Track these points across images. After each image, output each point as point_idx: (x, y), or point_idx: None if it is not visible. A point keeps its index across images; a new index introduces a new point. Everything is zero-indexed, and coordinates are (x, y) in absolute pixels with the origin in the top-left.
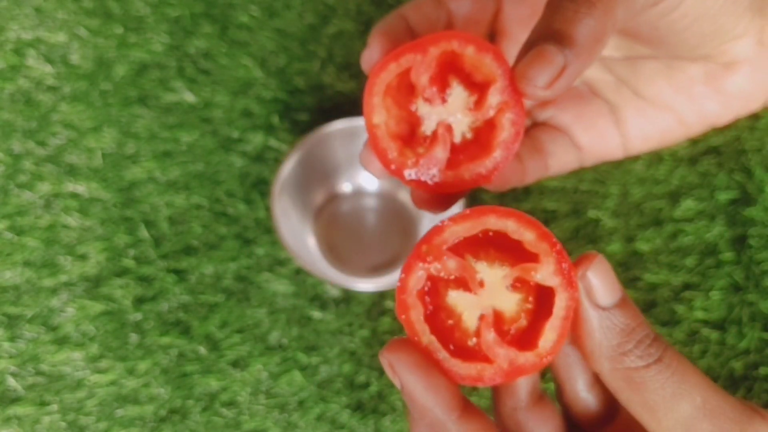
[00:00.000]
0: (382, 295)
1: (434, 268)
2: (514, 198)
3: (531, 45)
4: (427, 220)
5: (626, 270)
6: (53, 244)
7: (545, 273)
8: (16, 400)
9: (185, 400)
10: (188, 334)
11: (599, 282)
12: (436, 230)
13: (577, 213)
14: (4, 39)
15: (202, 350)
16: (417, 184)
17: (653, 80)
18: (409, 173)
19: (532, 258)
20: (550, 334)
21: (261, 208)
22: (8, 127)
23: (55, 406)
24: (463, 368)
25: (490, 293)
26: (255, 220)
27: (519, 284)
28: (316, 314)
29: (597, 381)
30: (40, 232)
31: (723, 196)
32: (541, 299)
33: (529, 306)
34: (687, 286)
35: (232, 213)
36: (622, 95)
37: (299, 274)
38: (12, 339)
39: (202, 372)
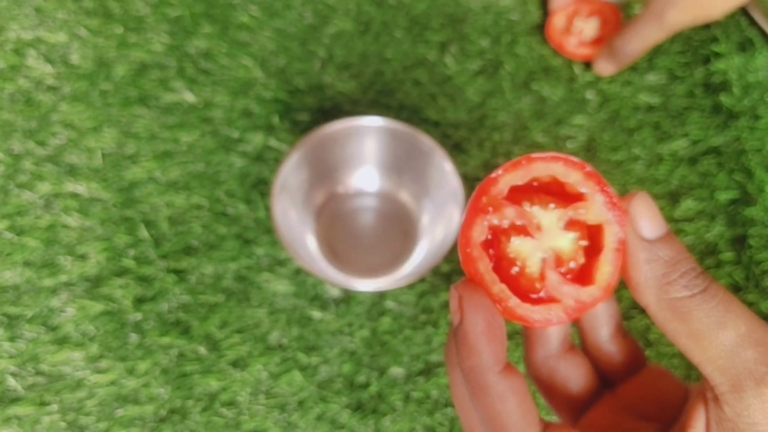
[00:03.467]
0: (381, 296)
1: (495, 218)
2: None
3: None
4: (427, 220)
5: None
6: (53, 244)
7: (596, 210)
8: (16, 400)
9: (185, 400)
10: (188, 334)
11: (644, 216)
12: (491, 181)
13: None
14: (4, 39)
15: (202, 350)
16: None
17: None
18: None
19: (580, 198)
20: (605, 267)
21: (261, 208)
22: (8, 127)
23: (55, 406)
24: (535, 312)
25: (548, 235)
26: (255, 220)
27: (573, 225)
28: (316, 314)
29: (619, 332)
30: (40, 232)
31: (723, 196)
32: (593, 236)
33: (584, 244)
34: None
35: (232, 213)
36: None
37: (299, 274)
38: (12, 339)
39: (202, 372)
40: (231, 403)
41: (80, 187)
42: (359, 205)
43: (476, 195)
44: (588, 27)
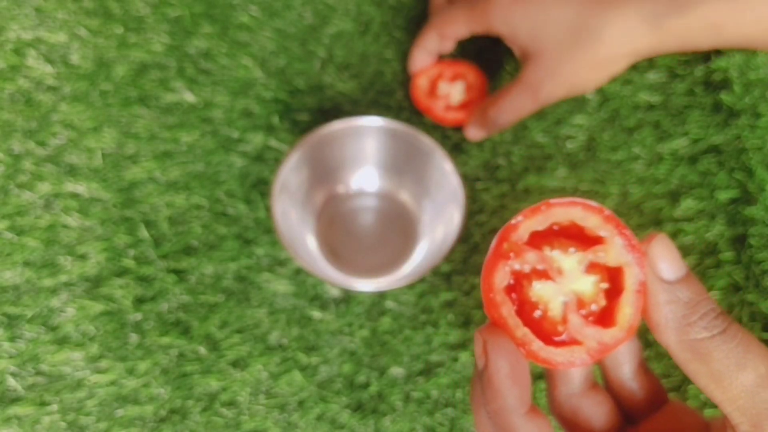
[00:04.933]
0: (381, 296)
1: (517, 263)
2: (515, 198)
3: None
4: (427, 220)
5: None
6: (53, 244)
7: (616, 252)
8: (16, 400)
9: (185, 400)
10: (188, 335)
11: (663, 258)
12: (511, 228)
13: None
14: (4, 39)
15: (202, 350)
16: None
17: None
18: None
19: (599, 241)
20: (627, 308)
21: (261, 208)
22: (8, 127)
23: (55, 406)
24: (558, 354)
25: (570, 279)
26: (255, 221)
27: (593, 268)
28: (316, 314)
29: (641, 369)
30: (40, 232)
31: (723, 196)
32: (613, 279)
33: (605, 287)
34: None
35: (232, 213)
36: None
37: (299, 274)
38: (12, 339)
39: (202, 372)
40: (231, 403)
41: (80, 187)
42: (359, 205)
43: (498, 241)
44: (454, 91)
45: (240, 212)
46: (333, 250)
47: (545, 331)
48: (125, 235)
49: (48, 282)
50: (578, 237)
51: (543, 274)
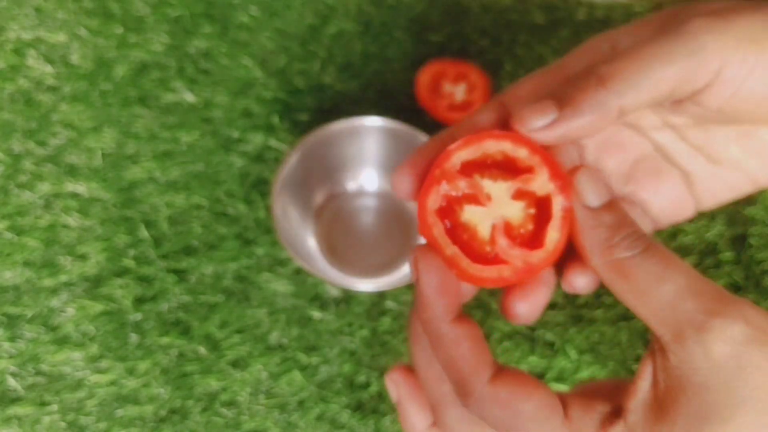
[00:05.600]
0: (381, 295)
1: (448, 188)
2: None
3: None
4: None
5: None
6: (53, 244)
7: (541, 181)
8: (16, 400)
9: (185, 400)
10: (188, 334)
11: (587, 186)
12: (445, 156)
13: None
14: (4, 39)
15: (202, 350)
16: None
17: (726, 146)
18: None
19: (529, 171)
20: (553, 233)
21: (261, 208)
22: (8, 127)
23: (55, 406)
24: (485, 271)
25: (498, 204)
26: (255, 220)
27: (521, 195)
28: (316, 314)
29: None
30: (40, 232)
31: None
32: (542, 208)
33: (532, 212)
34: None
35: (232, 213)
36: (696, 162)
37: (299, 274)
38: (12, 339)
39: (202, 372)
40: (231, 403)
41: (80, 187)
42: (359, 205)
43: (432, 167)
44: (458, 91)
45: (240, 212)
46: (333, 250)
47: (475, 252)
48: (125, 235)
49: (48, 282)
50: (512, 169)
51: (473, 200)
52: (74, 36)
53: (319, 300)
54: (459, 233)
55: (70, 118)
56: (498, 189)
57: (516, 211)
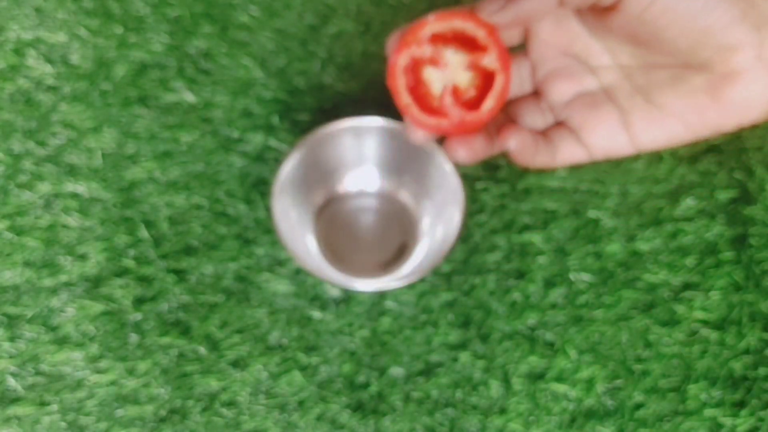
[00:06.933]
0: (381, 296)
1: (416, 50)
2: (515, 198)
3: None
4: (427, 220)
5: (626, 270)
6: (53, 244)
7: (490, 59)
8: (15, 400)
9: (185, 400)
10: (188, 335)
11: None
12: (420, 26)
13: (577, 213)
14: (4, 39)
15: (202, 350)
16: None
17: (662, 89)
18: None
19: (483, 50)
20: (490, 101)
21: (261, 208)
22: (8, 127)
23: (55, 406)
24: (429, 120)
25: (452, 71)
26: (255, 220)
27: (472, 67)
28: (316, 314)
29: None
30: (40, 232)
31: (723, 195)
32: (487, 80)
33: (478, 83)
34: (687, 286)
35: (232, 213)
36: (634, 102)
37: (299, 274)
38: (12, 339)
39: (202, 372)
40: (231, 403)
41: (80, 187)
42: (359, 205)
43: (407, 32)
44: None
45: (240, 212)
46: (333, 250)
47: (427, 105)
48: (125, 235)
49: (48, 282)
50: (470, 45)
51: (434, 63)
52: (74, 36)
53: (319, 300)
54: (418, 88)
55: (70, 118)
56: (455, 58)
57: (465, 79)
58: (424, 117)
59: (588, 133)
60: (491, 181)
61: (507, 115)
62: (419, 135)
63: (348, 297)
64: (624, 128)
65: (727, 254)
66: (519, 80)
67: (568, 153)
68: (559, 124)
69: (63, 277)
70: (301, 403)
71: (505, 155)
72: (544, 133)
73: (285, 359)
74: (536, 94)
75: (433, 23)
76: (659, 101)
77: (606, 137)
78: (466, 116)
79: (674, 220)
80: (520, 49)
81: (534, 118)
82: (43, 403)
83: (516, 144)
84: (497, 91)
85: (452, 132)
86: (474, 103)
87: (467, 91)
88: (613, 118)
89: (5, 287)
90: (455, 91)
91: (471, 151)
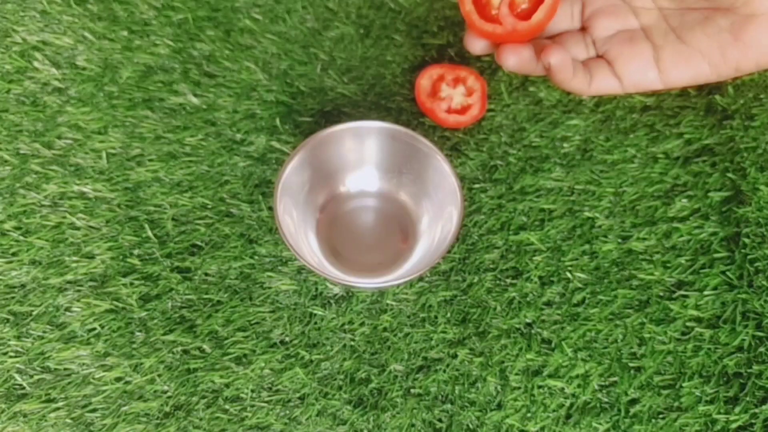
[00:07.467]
0: (382, 294)
1: None
2: (512, 198)
3: None
4: (426, 220)
5: (621, 269)
6: (59, 244)
7: None
8: (22, 396)
9: (190, 397)
10: (192, 332)
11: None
12: None
13: (572, 213)
14: (10, 42)
15: (206, 347)
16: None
17: (693, 29)
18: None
19: None
20: (539, 14)
21: (264, 208)
22: (15, 129)
23: (61, 403)
24: (486, 26)
25: None
26: (258, 220)
27: None
28: (318, 312)
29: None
30: (46, 232)
31: (717, 196)
32: None
33: None
34: (681, 285)
35: (236, 213)
36: (667, 39)
37: (301, 272)
38: (19, 337)
39: (206, 369)
40: (234, 399)
41: (86, 188)
42: (360, 205)
43: None
44: (456, 94)
45: (243, 212)
46: (334, 249)
47: (486, 14)
48: (131, 234)
49: (54, 281)
50: None
51: None
52: (80, 39)
53: (321, 298)
54: (482, 2)
55: (76, 120)
56: None
57: None
58: (482, 23)
59: (622, 66)
60: (489, 182)
61: (555, 43)
62: (477, 45)
63: (349, 295)
64: (655, 63)
65: (721, 254)
66: (570, 16)
67: (602, 82)
68: (599, 57)
69: (69, 276)
70: (302, 398)
71: (544, 82)
72: (585, 63)
73: (287, 356)
74: (583, 29)
75: None
76: (688, 39)
77: (638, 70)
78: (517, 24)
79: (669, 220)
80: None
81: (578, 49)
82: (49, 400)
83: (556, 61)
84: (547, 5)
85: (505, 39)
86: (527, 15)
87: (522, 4)
88: (647, 54)
89: (12, 286)
90: (511, 3)
91: (519, 58)
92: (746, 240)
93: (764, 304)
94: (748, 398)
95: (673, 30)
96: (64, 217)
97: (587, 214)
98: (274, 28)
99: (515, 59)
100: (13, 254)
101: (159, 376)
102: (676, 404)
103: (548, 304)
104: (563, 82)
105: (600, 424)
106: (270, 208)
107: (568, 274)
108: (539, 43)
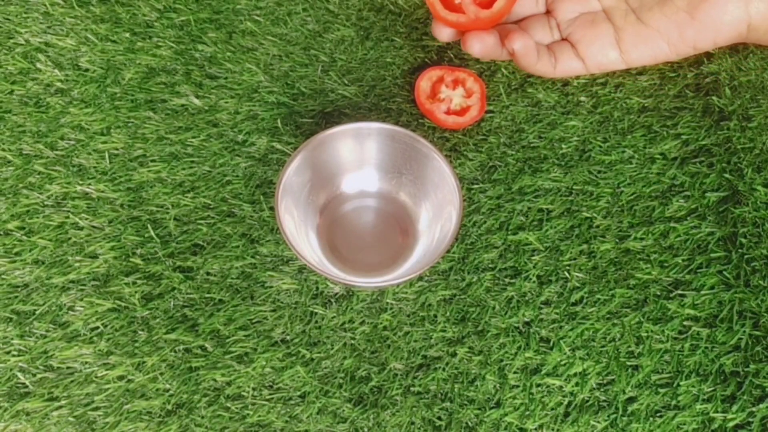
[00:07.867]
0: (382, 293)
1: None
2: (510, 199)
3: None
4: (426, 220)
5: (618, 268)
6: (63, 244)
7: None
8: (25, 395)
9: (192, 395)
10: (195, 331)
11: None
12: None
13: (570, 213)
14: (14, 43)
15: (208, 346)
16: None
17: (651, 8)
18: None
19: None
20: (501, 1)
21: (265, 208)
22: (18, 130)
23: (63, 401)
24: (449, 15)
25: None
26: (259, 220)
27: None
28: (319, 311)
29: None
30: (50, 232)
31: (714, 196)
32: None
33: None
34: (678, 284)
35: (238, 213)
36: (627, 20)
37: (302, 272)
38: (22, 336)
39: (208, 367)
40: (236, 397)
41: (89, 188)
42: (360, 206)
43: None
44: (455, 96)
45: (245, 212)
46: (335, 249)
47: (450, 4)
48: (133, 234)
49: (57, 280)
50: None
51: None
52: (83, 41)
53: (322, 297)
54: None
55: (79, 121)
56: None
57: None
58: (446, 12)
59: (585, 48)
60: (487, 183)
61: (519, 28)
62: (444, 33)
63: (349, 294)
64: (616, 44)
65: (718, 253)
66: (535, 1)
67: (567, 65)
68: (563, 40)
69: (72, 275)
70: (303, 396)
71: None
72: (549, 47)
73: (288, 354)
74: (548, 13)
75: None
76: (647, 19)
77: (600, 52)
78: (480, 13)
79: (666, 220)
80: None
81: (543, 33)
82: (52, 399)
83: (520, 47)
84: None
85: (469, 27)
86: (489, 3)
87: None
88: (608, 35)
89: (16, 285)
90: None
91: (483, 45)
92: (743, 240)
93: (761, 303)
94: (745, 397)
95: (633, 11)
96: (67, 217)
97: (585, 214)
98: (275, 30)
99: (480, 46)
100: (17, 254)
101: (161, 374)
102: (673, 403)
103: (546, 303)
104: (528, 66)
105: (598, 422)
106: (271, 209)
107: (566, 274)
108: (505, 29)
